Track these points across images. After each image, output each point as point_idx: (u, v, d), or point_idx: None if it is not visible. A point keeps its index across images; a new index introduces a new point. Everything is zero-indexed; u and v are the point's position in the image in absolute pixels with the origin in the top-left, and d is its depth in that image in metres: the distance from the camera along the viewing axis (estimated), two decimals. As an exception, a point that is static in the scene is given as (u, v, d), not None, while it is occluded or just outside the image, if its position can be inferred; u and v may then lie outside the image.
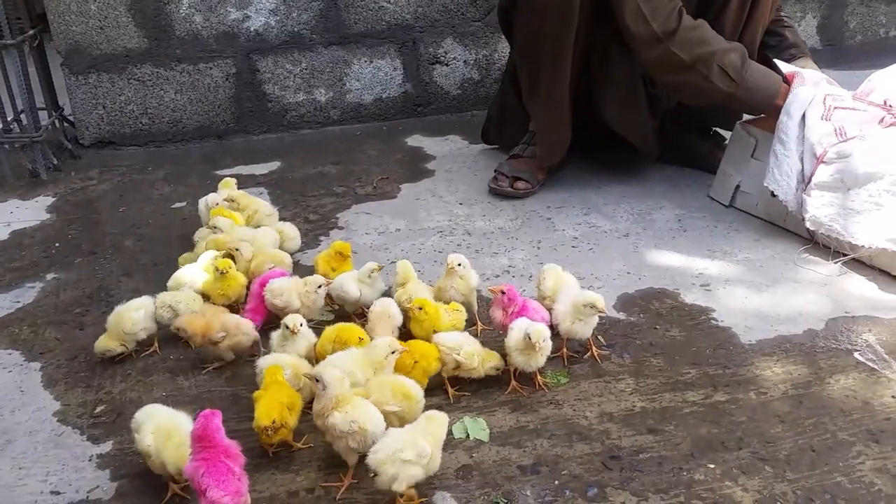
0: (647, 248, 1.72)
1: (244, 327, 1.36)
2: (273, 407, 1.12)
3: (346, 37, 2.59)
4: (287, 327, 1.28)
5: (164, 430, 1.07)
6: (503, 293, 1.32)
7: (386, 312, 1.35)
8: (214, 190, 1.88)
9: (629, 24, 1.72)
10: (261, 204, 1.82)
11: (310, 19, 2.54)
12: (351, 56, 2.62)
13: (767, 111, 1.78)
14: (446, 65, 2.72)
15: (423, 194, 2.08)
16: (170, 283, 1.51)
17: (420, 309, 1.31)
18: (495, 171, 2.07)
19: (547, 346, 1.22)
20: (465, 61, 2.73)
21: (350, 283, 1.45)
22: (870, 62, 2.79)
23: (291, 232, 1.75)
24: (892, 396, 1.20)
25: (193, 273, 1.51)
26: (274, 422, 1.10)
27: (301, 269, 1.67)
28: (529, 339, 1.20)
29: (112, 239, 1.90)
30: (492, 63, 2.74)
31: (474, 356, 1.24)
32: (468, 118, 2.70)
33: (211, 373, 1.35)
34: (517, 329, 1.24)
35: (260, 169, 2.32)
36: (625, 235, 1.78)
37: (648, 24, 1.69)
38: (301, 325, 1.29)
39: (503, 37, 2.11)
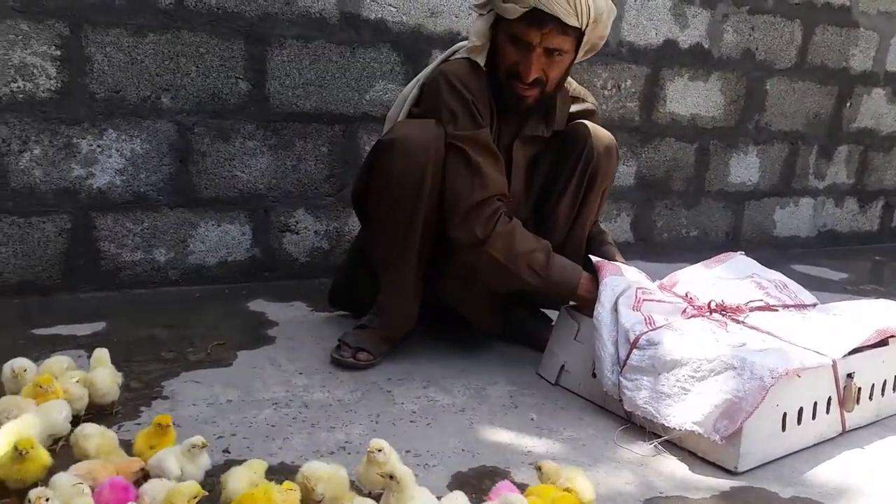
0: (481, 424, 1.75)
1: None
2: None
3: (194, 200, 2.60)
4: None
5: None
6: None
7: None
8: (27, 353, 1.72)
9: (452, 230, 1.91)
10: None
11: (158, 181, 2.53)
12: (198, 219, 2.62)
13: (571, 300, 2.00)
14: (297, 233, 2.78)
15: (261, 362, 2.03)
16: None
17: None
18: (339, 340, 2.07)
19: None
20: (315, 231, 2.80)
21: (170, 460, 1.34)
22: (675, 256, 3.18)
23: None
24: (703, 578, 1.26)
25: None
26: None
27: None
28: None
29: None
30: (342, 234, 2.83)
31: None
32: (315, 285, 2.72)
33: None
34: None
35: (82, 329, 2.17)
36: (461, 410, 1.82)
37: (471, 229, 1.88)
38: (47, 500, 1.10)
39: (354, 211, 2.21)
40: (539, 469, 1.40)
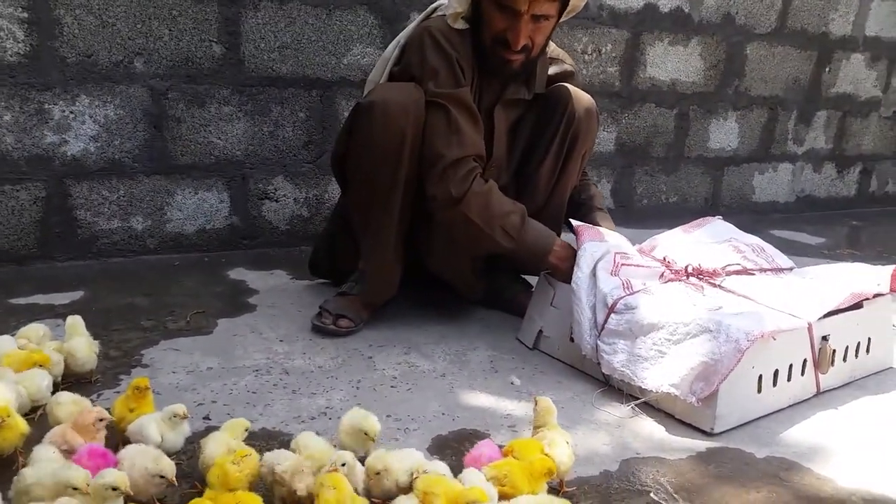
0: (461, 389, 1.76)
1: None
2: None
3: (171, 167, 2.56)
4: None
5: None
6: None
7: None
8: (6, 322, 1.70)
9: (430, 187, 1.89)
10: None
11: (133, 148, 2.49)
12: (174, 186, 2.58)
13: (542, 265, 1.99)
14: (276, 201, 2.75)
15: (242, 330, 2.02)
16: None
17: None
18: (320, 307, 2.07)
19: None
20: (294, 199, 2.78)
21: (150, 427, 1.34)
22: (655, 222, 3.20)
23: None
24: (677, 534, 1.29)
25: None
26: None
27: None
28: None
29: None
30: (322, 202, 2.81)
31: None
32: (296, 253, 2.71)
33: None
34: None
35: (60, 298, 2.15)
36: (442, 375, 1.83)
37: (447, 187, 1.86)
38: None
39: (334, 179, 2.19)
40: (535, 403, 1.44)
